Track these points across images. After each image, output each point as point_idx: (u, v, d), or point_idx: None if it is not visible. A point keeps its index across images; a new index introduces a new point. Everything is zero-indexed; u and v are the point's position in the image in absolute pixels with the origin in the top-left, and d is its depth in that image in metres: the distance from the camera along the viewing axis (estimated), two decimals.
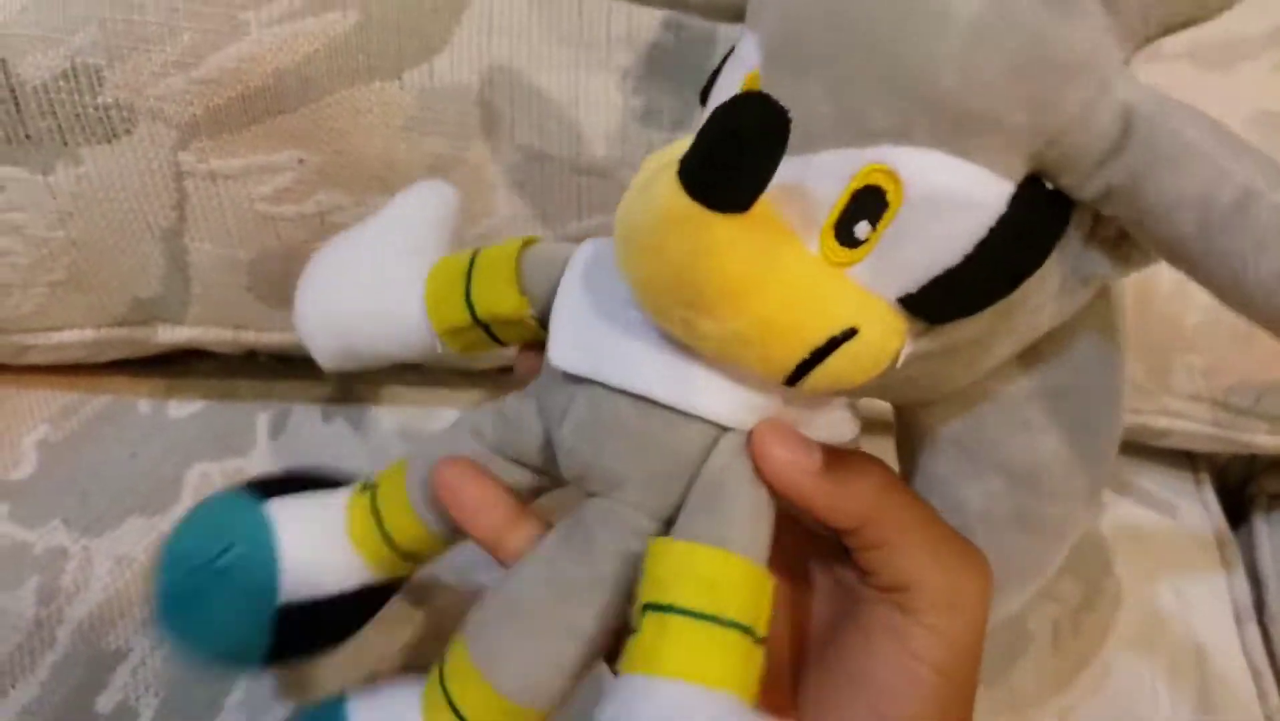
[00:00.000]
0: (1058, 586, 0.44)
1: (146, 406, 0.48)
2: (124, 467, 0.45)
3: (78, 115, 0.37)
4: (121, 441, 0.46)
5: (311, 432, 0.48)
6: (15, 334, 0.44)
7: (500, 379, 0.51)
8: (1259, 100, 0.42)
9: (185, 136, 0.38)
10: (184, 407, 0.48)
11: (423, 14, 0.38)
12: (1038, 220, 0.21)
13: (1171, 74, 0.41)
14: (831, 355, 0.22)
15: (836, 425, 0.26)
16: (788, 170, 0.20)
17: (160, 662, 0.38)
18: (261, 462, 0.46)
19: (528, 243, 0.30)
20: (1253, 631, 0.45)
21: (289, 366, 0.50)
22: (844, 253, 0.22)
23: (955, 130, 0.20)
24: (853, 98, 0.21)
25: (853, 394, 0.26)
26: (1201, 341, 0.45)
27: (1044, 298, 0.23)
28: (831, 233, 0.22)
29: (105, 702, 0.37)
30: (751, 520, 0.24)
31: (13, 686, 0.37)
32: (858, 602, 0.26)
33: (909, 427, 0.29)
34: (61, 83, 0.37)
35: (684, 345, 0.24)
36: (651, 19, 0.39)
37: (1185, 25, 0.21)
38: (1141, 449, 0.52)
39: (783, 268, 0.21)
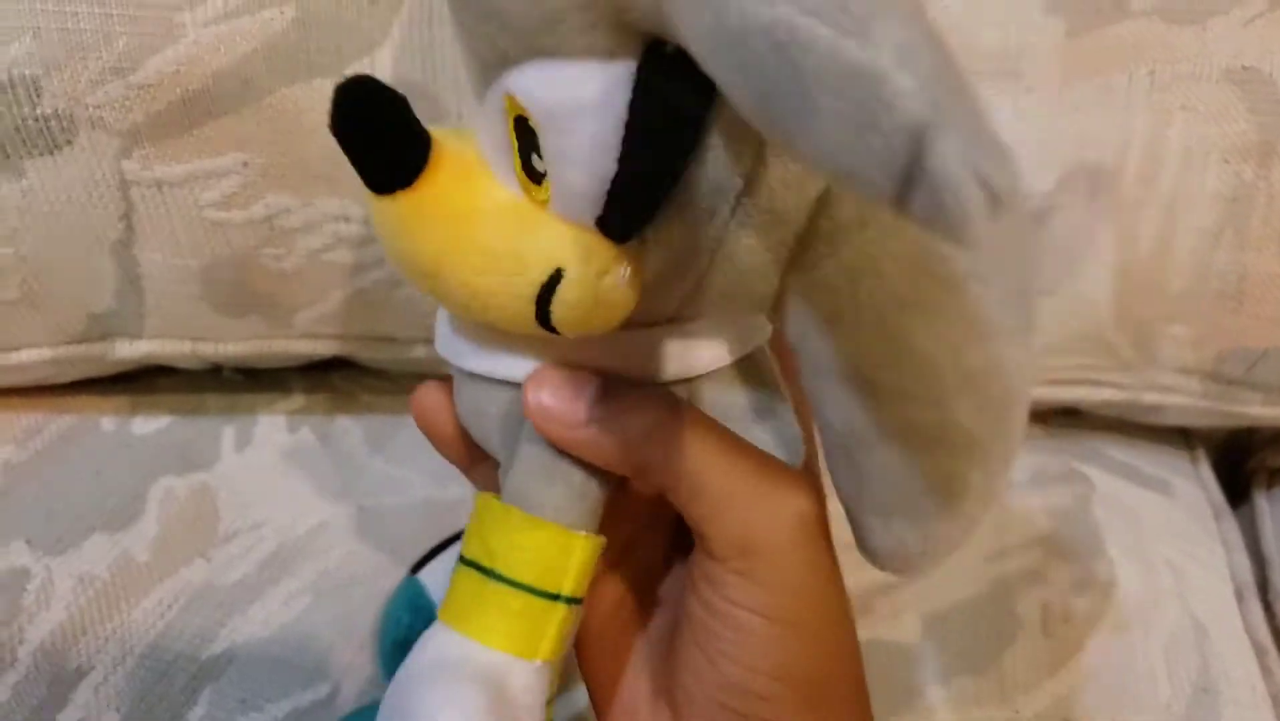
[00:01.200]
0: (1046, 569, 0.43)
1: (110, 424, 0.47)
2: (88, 485, 0.44)
3: (17, 128, 0.37)
4: (86, 459, 0.45)
5: (278, 444, 0.47)
6: None
7: None
8: (1232, 56, 0.40)
9: (127, 144, 0.38)
10: (148, 424, 0.47)
11: (361, 7, 0.38)
12: (679, 84, 0.17)
13: (1142, 30, 0.40)
14: (553, 300, 0.20)
15: (741, 337, 0.25)
16: (483, 128, 0.21)
17: (122, 680, 0.38)
18: (226, 475, 0.45)
19: None
20: (1255, 608, 0.43)
21: (254, 379, 0.49)
22: (538, 190, 0.21)
23: (525, 35, 0.18)
24: (471, 45, 0.20)
25: (730, 310, 0.24)
26: (1187, 308, 0.43)
27: (748, 153, 0.19)
28: (522, 172, 0.21)
29: None
30: (541, 477, 0.23)
31: None
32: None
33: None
34: None
35: None
36: None
37: None
38: (1133, 426, 0.50)
39: (475, 228, 0.21)
